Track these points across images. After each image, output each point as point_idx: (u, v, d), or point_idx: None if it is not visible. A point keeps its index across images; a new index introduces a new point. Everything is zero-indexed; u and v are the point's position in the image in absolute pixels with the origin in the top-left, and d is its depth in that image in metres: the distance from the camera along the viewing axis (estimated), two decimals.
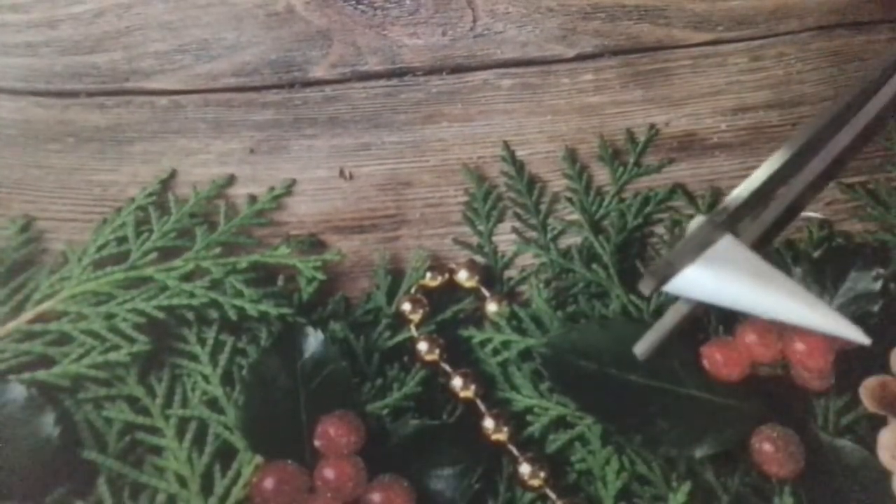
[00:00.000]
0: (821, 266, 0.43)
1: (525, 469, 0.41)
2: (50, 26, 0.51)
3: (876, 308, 0.42)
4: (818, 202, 0.46)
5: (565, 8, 0.48)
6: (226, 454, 0.41)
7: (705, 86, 0.48)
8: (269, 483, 0.39)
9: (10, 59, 0.51)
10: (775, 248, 0.45)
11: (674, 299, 0.36)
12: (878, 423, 0.39)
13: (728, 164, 0.47)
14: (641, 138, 0.47)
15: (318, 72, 0.50)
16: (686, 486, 0.40)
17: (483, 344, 0.44)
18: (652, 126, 0.47)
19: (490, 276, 0.46)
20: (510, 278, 0.46)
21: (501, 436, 0.42)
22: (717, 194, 0.46)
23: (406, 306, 0.45)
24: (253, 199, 0.48)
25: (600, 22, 0.48)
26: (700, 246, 0.34)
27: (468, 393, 0.43)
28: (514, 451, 0.42)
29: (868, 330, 0.39)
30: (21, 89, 0.51)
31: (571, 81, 0.48)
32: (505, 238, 0.47)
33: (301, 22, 0.50)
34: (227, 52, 0.50)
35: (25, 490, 0.39)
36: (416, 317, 0.44)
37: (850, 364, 0.38)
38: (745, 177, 0.46)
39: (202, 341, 0.43)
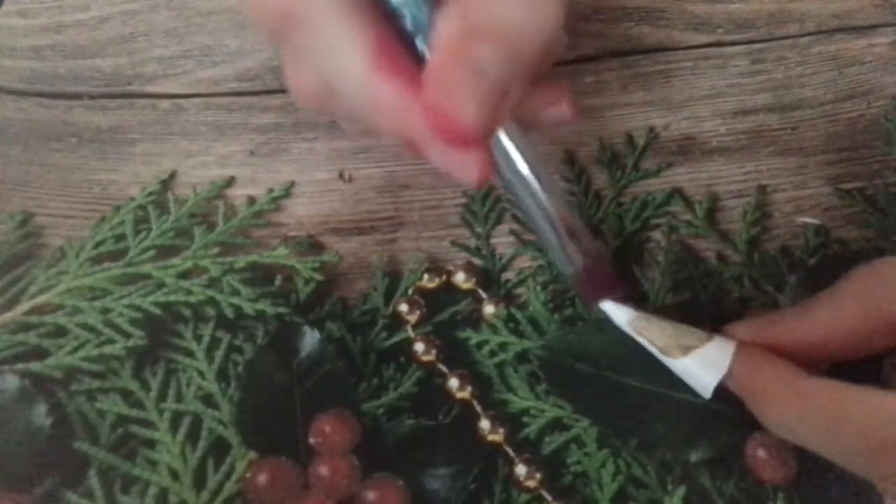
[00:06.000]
0: (817, 274, 0.43)
1: (521, 470, 0.41)
2: (55, 31, 0.52)
3: None
4: (815, 208, 0.46)
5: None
6: (219, 449, 0.41)
7: (705, 88, 0.48)
8: (262, 479, 0.39)
9: (16, 62, 0.52)
10: (771, 255, 0.45)
11: None
12: None
13: (726, 168, 0.47)
14: (640, 141, 0.47)
15: None
16: (681, 490, 0.40)
17: (480, 345, 0.44)
18: (651, 129, 0.47)
19: (487, 278, 0.46)
20: (507, 280, 0.46)
21: (497, 437, 0.42)
22: (714, 199, 0.46)
23: (403, 307, 0.44)
24: (252, 200, 0.48)
25: (601, 24, 0.49)
26: None
27: (464, 394, 0.43)
28: (510, 452, 0.42)
29: None
30: (25, 90, 0.51)
31: (571, 83, 0.49)
32: (503, 240, 0.47)
33: None
34: (229, 59, 0.51)
35: (16, 480, 0.38)
36: (413, 318, 0.44)
37: (842, 373, 0.38)
38: (742, 181, 0.47)
39: (198, 338, 0.43)
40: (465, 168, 0.30)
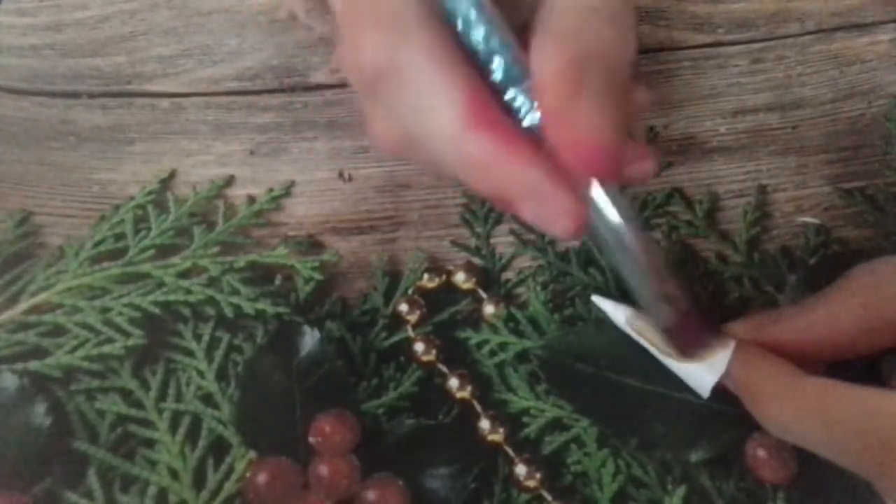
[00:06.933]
0: (817, 273, 0.43)
1: (521, 470, 0.41)
2: (55, 30, 0.52)
3: None
4: (815, 208, 0.46)
5: None
6: (219, 449, 0.41)
7: (705, 88, 0.48)
8: (262, 478, 0.39)
9: (15, 60, 0.51)
10: (771, 255, 0.45)
11: None
12: None
13: (726, 168, 0.47)
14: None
15: (319, 77, 0.50)
16: (681, 490, 0.40)
17: (480, 345, 0.44)
18: (651, 129, 0.47)
19: (487, 277, 0.46)
20: (507, 280, 0.46)
21: (497, 437, 0.42)
22: (714, 199, 0.46)
23: (403, 307, 0.44)
24: (252, 199, 0.48)
25: None
26: None
27: (464, 394, 0.43)
28: (511, 452, 0.42)
29: None
30: (24, 89, 0.51)
31: None
32: (503, 240, 0.47)
33: (303, 29, 0.51)
34: (229, 58, 0.51)
35: (15, 479, 0.38)
36: (413, 318, 0.44)
37: (841, 373, 0.38)
38: (742, 181, 0.47)
39: (198, 337, 0.43)
40: (561, 220, 0.29)
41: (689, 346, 0.38)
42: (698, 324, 0.37)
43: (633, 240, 0.31)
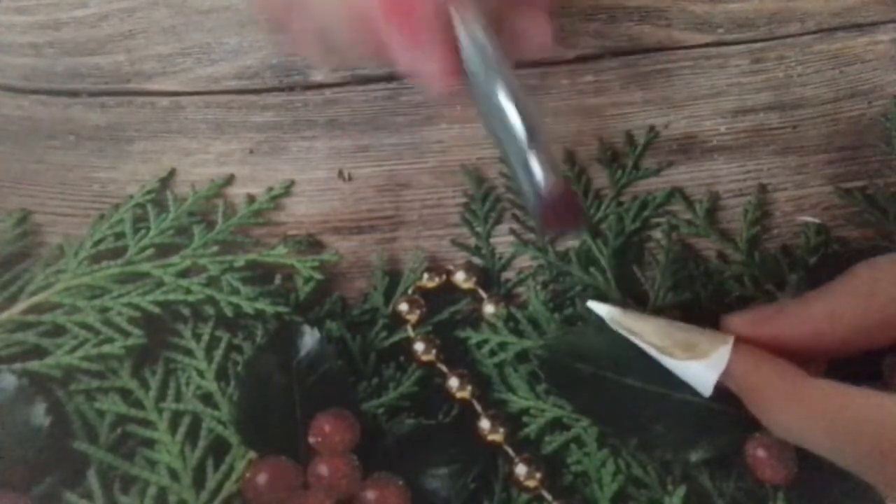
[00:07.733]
0: (817, 273, 0.43)
1: (521, 470, 0.41)
2: (54, 28, 0.52)
3: None
4: (816, 207, 0.46)
5: (565, 9, 0.49)
6: (219, 449, 0.41)
7: (706, 87, 0.48)
8: (262, 478, 0.39)
9: (14, 59, 0.51)
10: (771, 255, 0.45)
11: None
12: None
13: (727, 167, 0.47)
14: (641, 140, 0.47)
15: (318, 76, 0.50)
16: (682, 490, 0.40)
17: (480, 345, 0.44)
18: (651, 128, 0.47)
19: (487, 277, 0.46)
20: (507, 280, 0.46)
21: (497, 436, 0.42)
22: (714, 198, 0.46)
23: (403, 307, 0.44)
24: (251, 198, 0.48)
25: (601, 23, 0.49)
26: None
27: (464, 393, 0.43)
28: (511, 451, 0.41)
29: None
30: (23, 87, 0.51)
31: (571, 83, 0.49)
32: (503, 240, 0.47)
33: None
34: (228, 56, 0.51)
35: (14, 480, 0.38)
36: (413, 317, 0.44)
37: (842, 372, 0.38)
38: (743, 180, 0.47)
39: (197, 337, 0.43)
40: (430, 67, 0.30)
41: (561, 219, 0.35)
42: (570, 194, 0.35)
43: (504, 82, 0.31)
